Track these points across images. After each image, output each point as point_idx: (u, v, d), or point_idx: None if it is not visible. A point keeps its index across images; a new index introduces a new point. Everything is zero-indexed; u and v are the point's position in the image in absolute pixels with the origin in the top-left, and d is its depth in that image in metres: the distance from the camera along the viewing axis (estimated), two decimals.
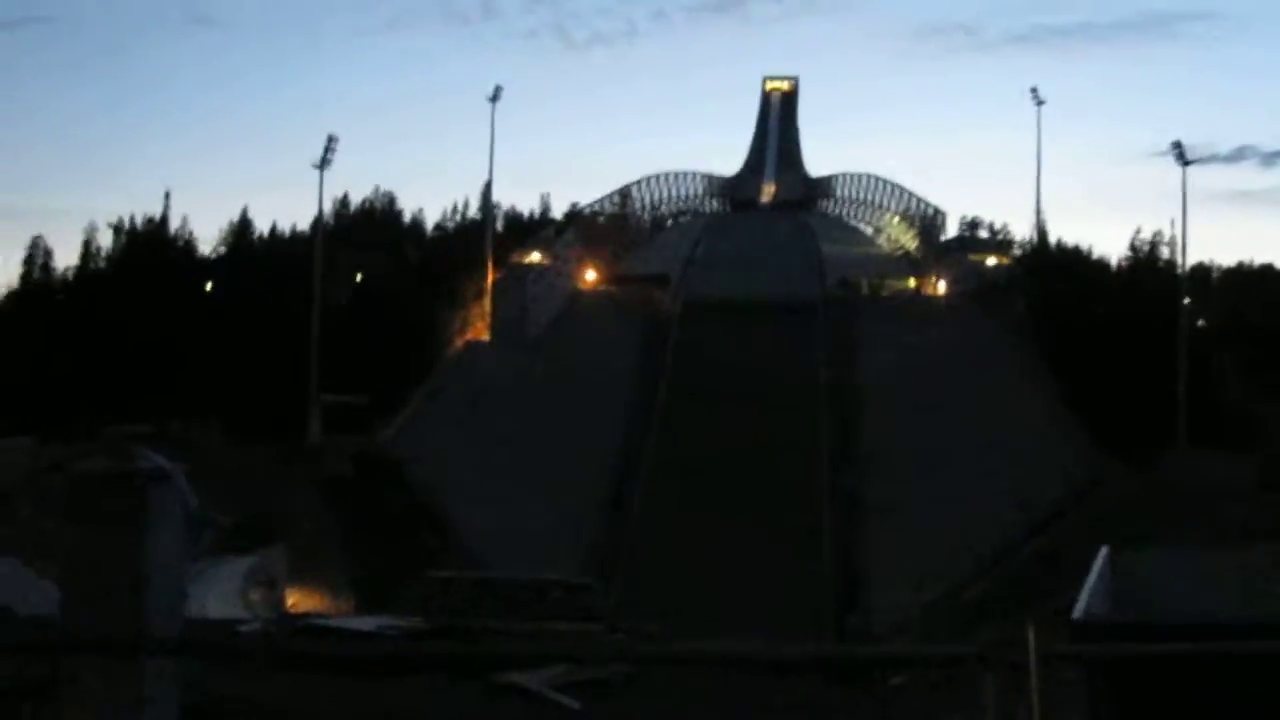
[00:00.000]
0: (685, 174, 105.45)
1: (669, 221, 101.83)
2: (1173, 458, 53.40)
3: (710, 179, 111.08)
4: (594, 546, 51.24)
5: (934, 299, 75.02)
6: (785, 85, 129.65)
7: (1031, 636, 5.49)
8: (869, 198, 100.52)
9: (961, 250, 76.87)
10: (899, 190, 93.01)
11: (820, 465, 55.96)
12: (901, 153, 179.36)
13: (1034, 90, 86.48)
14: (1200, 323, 68.12)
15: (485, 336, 67.81)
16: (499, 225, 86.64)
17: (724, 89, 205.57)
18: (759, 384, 61.17)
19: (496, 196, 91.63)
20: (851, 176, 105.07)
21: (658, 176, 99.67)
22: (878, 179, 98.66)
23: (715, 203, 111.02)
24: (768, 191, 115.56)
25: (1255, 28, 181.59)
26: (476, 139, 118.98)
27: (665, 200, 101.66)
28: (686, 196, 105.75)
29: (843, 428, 58.84)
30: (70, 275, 75.78)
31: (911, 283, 79.24)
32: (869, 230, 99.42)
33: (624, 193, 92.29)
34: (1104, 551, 18.61)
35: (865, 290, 77.54)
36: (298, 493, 49.21)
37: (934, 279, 77.18)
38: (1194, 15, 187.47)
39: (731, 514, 51.66)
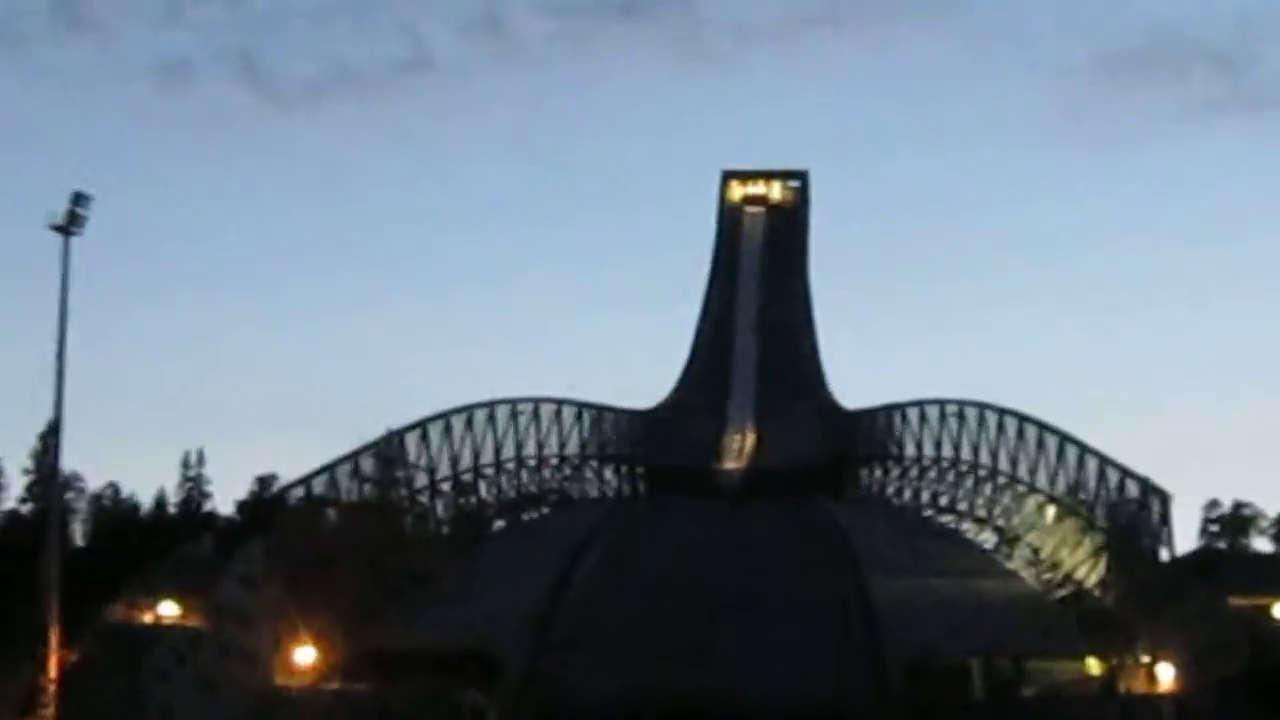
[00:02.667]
0: (537, 405, 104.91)
1: (497, 522, 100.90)
2: None
3: (603, 418, 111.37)
4: None
5: (1149, 704, 75.41)
6: (778, 192, 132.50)
7: None
8: (982, 459, 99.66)
9: (1211, 581, 76.77)
10: (1054, 439, 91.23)
11: None
12: (1049, 358, 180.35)
13: None
14: None
15: None
16: (78, 532, 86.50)
17: (637, 199, 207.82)
18: None
19: (72, 463, 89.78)
20: (940, 409, 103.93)
21: (470, 412, 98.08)
22: (1002, 412, 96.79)
23: (612, 475, 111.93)
24: (737, 449, 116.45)
25: None
26: (35, 328, 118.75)
27: (490, 470, 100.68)
28: (542, 460, 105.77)
29: None
30: None
31: (1093, 665, 78.79)
32: (986, 536, 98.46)
33: (383, 452, 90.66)
34: None
35: (980, 687, 77.74)
36: None
37: (1148, 653, 76.37)
38: None
39: None
